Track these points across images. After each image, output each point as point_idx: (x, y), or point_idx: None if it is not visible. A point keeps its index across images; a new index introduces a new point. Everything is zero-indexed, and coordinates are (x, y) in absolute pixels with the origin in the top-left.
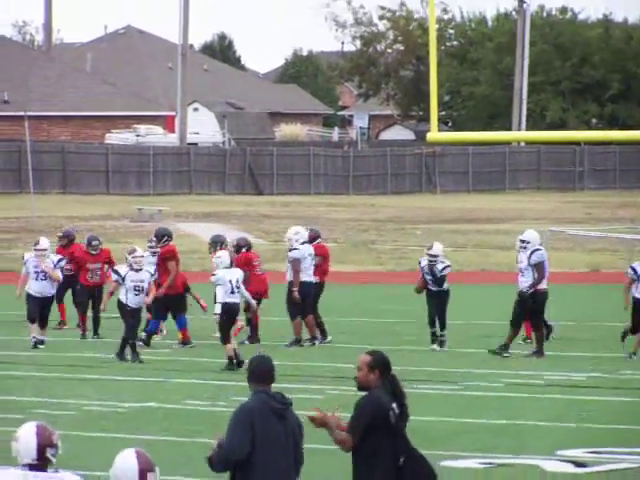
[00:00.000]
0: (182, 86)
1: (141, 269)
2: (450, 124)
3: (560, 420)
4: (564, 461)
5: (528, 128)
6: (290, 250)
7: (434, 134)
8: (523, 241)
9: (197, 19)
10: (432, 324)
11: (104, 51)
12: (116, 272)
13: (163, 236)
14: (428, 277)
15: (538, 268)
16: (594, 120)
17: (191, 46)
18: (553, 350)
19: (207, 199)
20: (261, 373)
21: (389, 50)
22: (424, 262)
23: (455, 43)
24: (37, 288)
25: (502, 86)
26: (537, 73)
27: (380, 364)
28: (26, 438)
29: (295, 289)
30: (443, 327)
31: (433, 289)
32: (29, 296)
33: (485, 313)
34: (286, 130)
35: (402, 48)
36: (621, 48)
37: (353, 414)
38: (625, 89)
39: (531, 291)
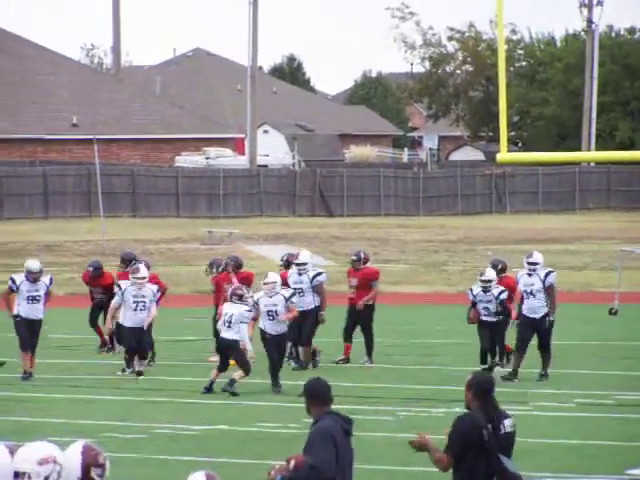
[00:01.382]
0: (251, 108)
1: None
2: (520, 144)
3: (630, 439)
4: None
5: (597, 148)
6: (318, 275)
7: (504, 154)
8: (533, 263)
9: (266, 41)
10: (484, 360)
11: (173, 73)
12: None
13: (130, 260)
14: (482, 305)
15: (553, 290)
16: None
17: (260, 68)
18: (622, 370)
19: (277, 221)
20: (322, 394)
21: (458, 71)
22: (477, 289)
23: (524, 64)
24: (135, 319)
25: (571, 106)
26: (606, 93)
27: (474, 385)
28: (71, 457)
29: (323, 312)
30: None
31: (487, 319)
32: (121, 326)
33: (556, 332)
34: (356, 151)
35: (471, 69)
36: None
37: (449, 434)
38: None
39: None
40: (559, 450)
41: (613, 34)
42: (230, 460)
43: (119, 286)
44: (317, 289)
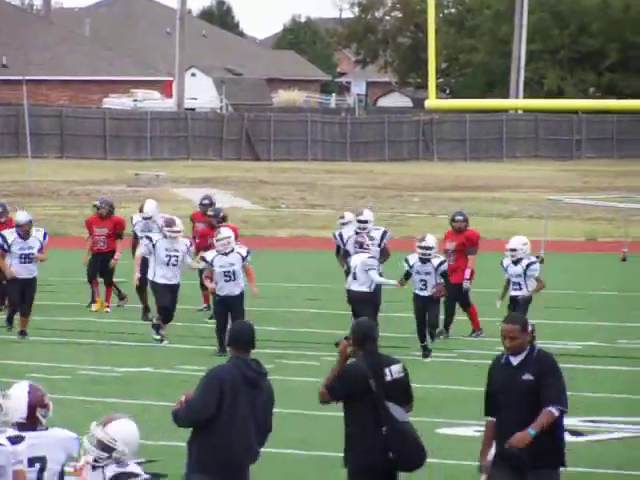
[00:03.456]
0: (180, 51)
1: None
2: (448, 92)
3: None
4: None
5: (526, 96)
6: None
7: (432, 101)
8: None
9: None
10: (422, 337)
11: (103, 16)
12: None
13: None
14: (419, 277)
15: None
16: (592, 89)
17: (189, 11)
18: (549, 319)
19: (204, 164)
20: (240, 339)
21: (387, 17)
22: (414, 259)
23: (453, 10)
24: (166, 274)
25: (500, 54)
26: (535, 41)
27: (354, 332)
28: (18, 396)
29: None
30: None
31: (421, 294)
32: (155, 284)
33: (479, 281)
34: (284, 96)
35: (400, 15)
36: (619, 17)
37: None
38: (623, 58)
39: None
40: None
41: None
42: (154, 403)
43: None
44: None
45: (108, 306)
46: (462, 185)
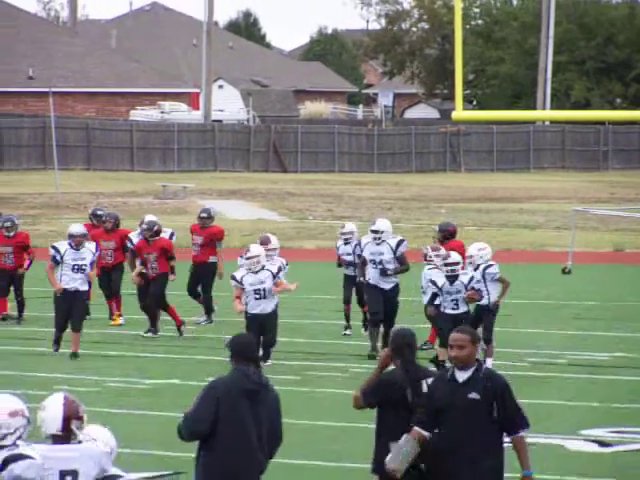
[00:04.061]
0: (207, 63)
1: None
2: (474, 103)
3: (584, 400)
4: (588, 440)
5: (552, 107)
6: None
7: (459, 112)
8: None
9: None
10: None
11: (129, 28)
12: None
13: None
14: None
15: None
16: (618, 100)
17: (216, 23)
18: (574, 330)
19: (231, 176)
20: (241, 351)
21: (414, 28)
22: (441, 280)
23: (480, 22)
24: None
25: (527, 65)
26: (562, 52)
27: (392, 341)
28: (53, 408)
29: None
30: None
31: (449, 312)
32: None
33: (508, 292)
34: (311, 108)
35: (427, 26)
36: None
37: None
38: None
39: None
40: None
41: None
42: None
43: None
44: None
45: (120, 315)
46: (489, 196)
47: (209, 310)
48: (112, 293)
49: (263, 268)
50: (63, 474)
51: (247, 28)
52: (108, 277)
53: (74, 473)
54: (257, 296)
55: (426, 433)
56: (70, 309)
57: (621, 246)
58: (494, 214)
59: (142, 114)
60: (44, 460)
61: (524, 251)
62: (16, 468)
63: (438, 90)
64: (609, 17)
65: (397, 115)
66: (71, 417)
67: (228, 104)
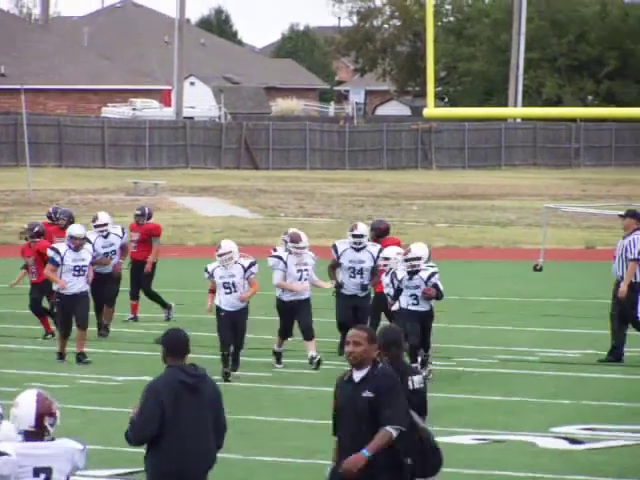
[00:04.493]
0: (179, 60)
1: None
2: (446, 100)
3: (554, 397)
4: (559, 438)
5: (524, 105)
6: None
7: (431, 109)
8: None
9: None
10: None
11: (101, 25)
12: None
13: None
14: (410, 292)
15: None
16: (590, 97)
17: (188, 20)
18: (545, 327)
19: (203, 173)
20: (175, 347)
21: (386, 25)
22: (402, 273)
23: (452, 19)
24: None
25: (498, 62)
26: (533, 49)
27: (379, 337)
28: (26, 404)
29: None
30: (427, 348)
31: (412, 308)
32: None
33: (480, 289)
34: (282, 105)
35: (399, 23)
36: (617, 25)
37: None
38: (621, 66)
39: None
40: (482, 406)
41: None
42: None
43: (279, 257)
44: None
45: None
46: (461, 193)
47: (164, 304)
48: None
49: (235, 262)
50: (37, 471)
51: (219, 25)
52: None
53: (48, 470)
54: (227, 290)
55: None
56: (74, 311)
57: (592, 243)
58: (465, 211)
59: (114, 111)
60: (18, 457)
61: (496, 248)
62: None
63: (410, 87)
64: (581, 14)
65: (369, 112)
66: (44, 414)
67: (200, 101)
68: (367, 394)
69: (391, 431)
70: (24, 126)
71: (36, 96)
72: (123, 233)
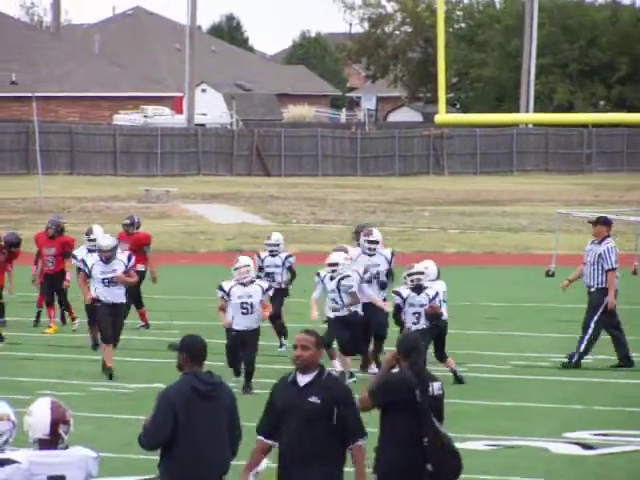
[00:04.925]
0: (190, 67)
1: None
2: (458, 106)
3: (567, 402)
4: (571, 443)
5: (536, 110)
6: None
7: (442, 116)
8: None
9: (205, 0)
10: None
11: (112, 32)
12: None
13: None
14: (412, 310)
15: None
16: (602, 102)
17: (199, 27)
18: (558, 332)
19: (215, 180)
20: (196, 352)
21: (397, 32)
22: (406, 291)
23: (463, 25)
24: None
25: (510, 68)
26: (545, 55)
27: (399, 344)
28: (40, 413)
29: None
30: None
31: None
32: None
33: (492, 295)
34: (294, 111)
35: (410, 30)
36: (629, 31)
37: (376, 385)
38: (633, 71)
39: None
40: (494, 412)
41: None
42: None
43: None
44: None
45: (74, 319)
46: (472, 199)
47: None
48: (58, 300)
49: (253, 282)
50: (51, 479)
51: (230, 32)
52: (50, 283)
53: (62, 478)
54: (244, 311)
55: (271, 442)
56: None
57: None
58: (477, 217)
59: (125, 118)
60: (32, 466)
61: (508, 254)
62: (1, 473)
63: (421, 93)
64: (592, 19)
65: (380, 118)
66: (59, 421)
67: (211, 108)
68: (314, 399)
69: (363, 444)
70: (36, 134)
71: (47, 103)
72: (129, 260)
